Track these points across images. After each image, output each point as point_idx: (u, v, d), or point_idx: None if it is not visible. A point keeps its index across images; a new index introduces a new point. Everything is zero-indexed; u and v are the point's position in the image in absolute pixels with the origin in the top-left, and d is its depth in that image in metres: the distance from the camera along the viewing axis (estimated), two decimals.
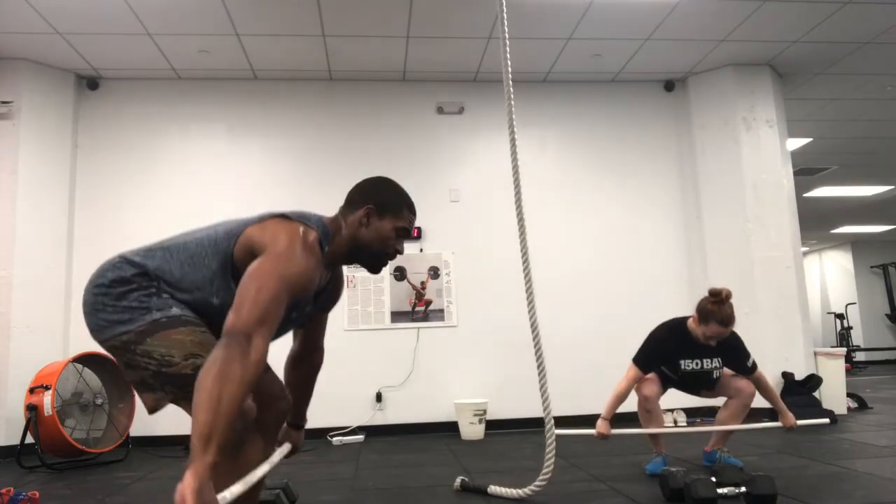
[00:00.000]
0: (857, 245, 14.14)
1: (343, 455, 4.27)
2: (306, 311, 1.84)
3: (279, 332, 1.74)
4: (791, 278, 5.29)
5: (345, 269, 2.09)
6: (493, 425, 4.97)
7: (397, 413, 5.12)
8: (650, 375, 3.28)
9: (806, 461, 3.43)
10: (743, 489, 2.58)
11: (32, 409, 3.96)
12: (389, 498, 3.00)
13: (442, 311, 5.30)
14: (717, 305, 3.07)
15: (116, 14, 4.33)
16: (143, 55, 4.92)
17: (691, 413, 5.13)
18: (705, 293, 3.15)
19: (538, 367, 2.86)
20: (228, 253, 1.67)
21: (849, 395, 5.58)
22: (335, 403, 4.78)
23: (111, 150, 5.23)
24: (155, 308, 1.63)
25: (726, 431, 3.37)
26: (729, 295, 3.08)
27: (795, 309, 5.26)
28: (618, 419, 3.16)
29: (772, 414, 3.91)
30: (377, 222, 1.80)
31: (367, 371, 5.11)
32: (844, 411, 5.30)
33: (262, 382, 1.72)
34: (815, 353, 5.36)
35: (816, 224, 11.68)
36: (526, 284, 2.89)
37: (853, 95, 6.14)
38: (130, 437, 4.40)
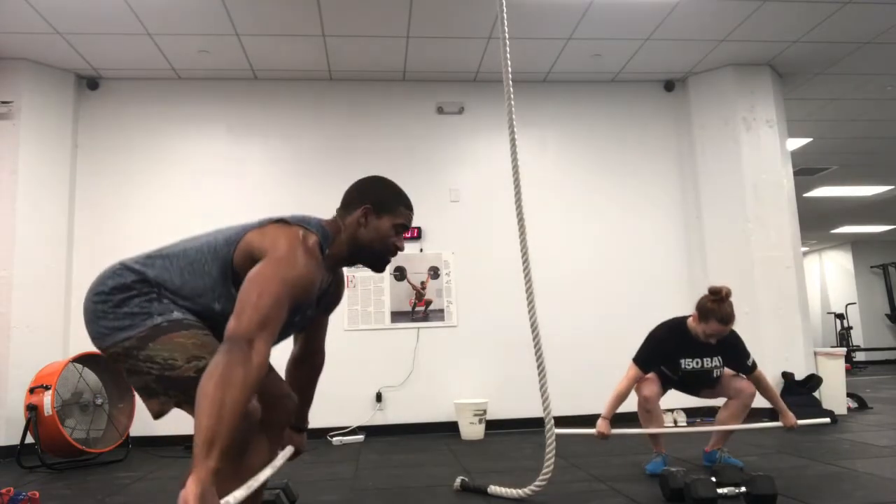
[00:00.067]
0: (857, 245, 14.14)
1: (343, 455, 4.27)
2: (308, 314, 1.84)
3: (281, 336, 1.74)
4: (791, 278, 5.29)
5: (345, 269, 2.09)
6: (493, 425, 4.97)
7: (397, 413, 5.12)
8: (650, 375, 3.29)
9: (806, 461, 3.43)
10: (743, 489, 2.58)
11: (32, 409, 3.96)
12: (389, 498, 3.00)
13: (442, 311, 5.29)
14: (716, 303, 3.07)
15: (116, 14, 4.33)
16: (143, 55, 4.92)
17: (691, 413, 5.13)
18: (705, 293, 3.16)
19: (538, 367, 2.86)
20: (228, 259, 1.68)
21: (849, 395, 5.58)
22: (335, 403, 4.78)
23: (111, 150, 5.23)
24: (156, 313, 1.63)
25: (726, 431, 3.37)
26: (729, 293, 3.09)
27: (795, 309, 5.26)
28: (618, 419, 3.16)
29: (772, 414, 3.92)
30: (376, 221, 1.80)
31: (368, 371, 5.11)
32: (844, 411, 5.29)
33: (266, 383, 1.72)
34: (815, 353, 5.36)
35: (816, 224, 11.68)
36: (526, 284, 2.89)
37: (853, 95, 6.14)
38: (130, 437, 4.40)
